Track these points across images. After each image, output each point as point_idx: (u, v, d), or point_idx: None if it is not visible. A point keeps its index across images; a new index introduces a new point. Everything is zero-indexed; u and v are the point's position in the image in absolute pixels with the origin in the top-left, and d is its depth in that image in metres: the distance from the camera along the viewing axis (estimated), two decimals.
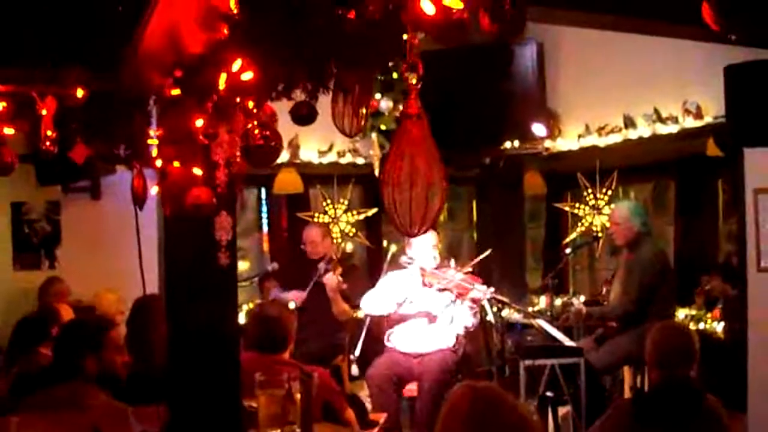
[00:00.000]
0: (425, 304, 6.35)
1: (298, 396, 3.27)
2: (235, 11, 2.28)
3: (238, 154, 2.72)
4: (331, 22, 2.11)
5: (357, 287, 6.99)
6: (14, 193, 7.04)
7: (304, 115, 2.71)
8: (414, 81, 2.01)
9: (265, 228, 8.64)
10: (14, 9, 2.72)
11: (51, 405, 3.41)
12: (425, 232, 2.07)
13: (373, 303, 6.44)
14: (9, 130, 3.20)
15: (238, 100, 2.53)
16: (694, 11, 2.69)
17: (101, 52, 2.66)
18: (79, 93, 2.80)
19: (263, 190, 8.50)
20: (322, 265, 6.84)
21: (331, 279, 6.74)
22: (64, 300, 6.33)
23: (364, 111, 2.76)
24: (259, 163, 2.95)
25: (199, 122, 2.60)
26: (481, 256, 6.71)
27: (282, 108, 3.08)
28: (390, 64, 6.49)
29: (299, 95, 2.71)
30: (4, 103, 3.07)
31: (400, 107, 7.24)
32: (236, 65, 2.30)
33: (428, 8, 1.99)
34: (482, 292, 6.17)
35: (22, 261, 7.20)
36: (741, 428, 5.57)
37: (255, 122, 2.78)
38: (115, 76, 2.66)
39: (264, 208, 8.62)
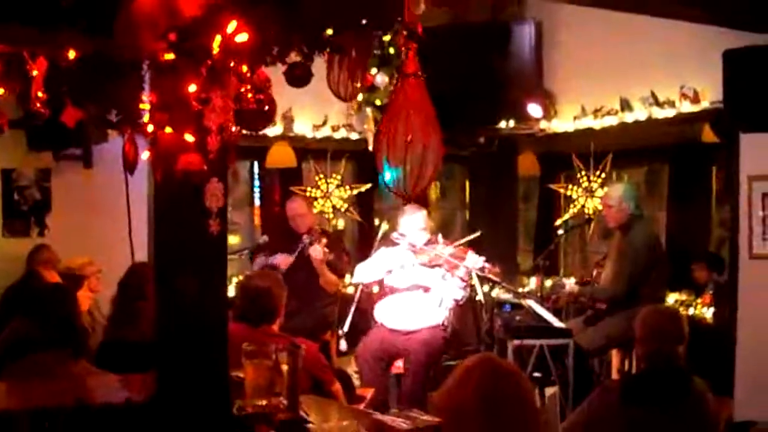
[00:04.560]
0: (417, 279, 6.33)
1: (285, 367, 3.24)
2: None
3: (231, 121, 2.68)
4: None
5: (341, 256, 7.02)
6: (4, 159, 6.99)
7: (298, 76, 2.67)
8: (411, 40, 1.97)
9: (258, 202, 8.60)
10: None
11: (33, 372, 3.38)
12: (420, 194, 2.04)
13: (364, 272, 6.45)
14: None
15: (232, 64, 2.49)
16: None
17: (94, 13, 2.61)
18: (71, 54, 2.75)
19: (256, 164, 8.45)
20: (306, 237, 6.81)
21: (317, 251, 6.72)
22: (52, 267, 6.30)
23: (360, 75, 2.72)
24: (251, 126, 2.91)
25: (193, 87, 2.56)
26: (468, 238, 6.66)
27: (276, 79, 3.05)
28: (387, 38, 6.45)
29: (294, 59, 2.67)
30: None
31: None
32: (231, 27, 2.25)
33: None
34: (474, 261, 6.16)
35: (11, 227, 7.15)
36: (727, 412, 5.59)
37: (248, 86, 2.74)
38: (108, 38, 2.62)
39: (256, 182, 8.58)
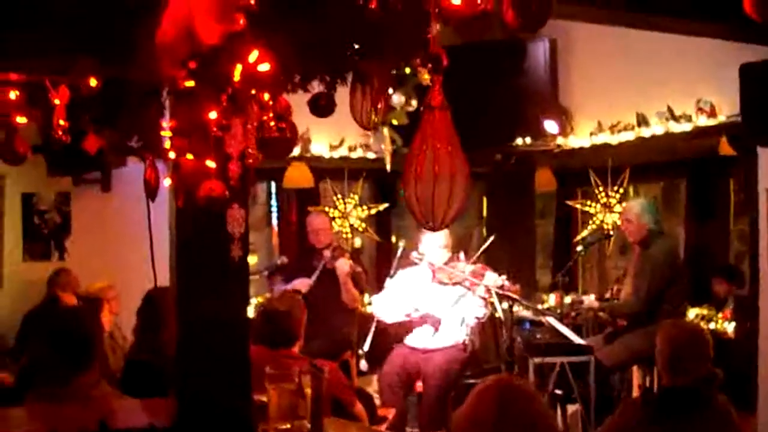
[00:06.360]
0: (435, 302, 6.29)
1: (309, 390, 3.24)
2: (253, 2, 2.24)
3: (251, 146, 2.69)
4: (352, 12, 2.08)
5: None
6: (25, 184, 7.07)
7: (322, 106, 2.68)
8: (437, 72, 1.98)
9: (275, 222, 8.62)
10: None
11: (56, 397, 3.38)
12: (447, 225, 2.04)
13: (383, 309, 6.35)
14: (21, 119, 3.18)
15: (253, 92, 2.50)
16: (718, 8, 2.64)
17: (115, 41, 2.63)
18: (93, 82, 2.77)
19: (273, 184, 8.48)
20: (327, 253, 6.78)
21: (343, 264, 6.68)
22: (72, 291, 6.34)
23: (382, 103, 2.73)
24: (274, 155, 2.93)
25: (213, 114, 2.57)
26: (487, 243, 6.57)
27: (294, 101, 3.06)
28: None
29: (316, 87, 2.68)
30: (16, 92, 3.04)
31: (413, 102, 7.26)
32: (253, 57, 2.27)
33: None
34: (494, 279, 6.13)
35: (32, 251, 7.21)
36: (750, 429, 5.53)
37: (270, 114, 2.75)
38: (129, 66, 2.64)
39: (274, 202, 8.61)
